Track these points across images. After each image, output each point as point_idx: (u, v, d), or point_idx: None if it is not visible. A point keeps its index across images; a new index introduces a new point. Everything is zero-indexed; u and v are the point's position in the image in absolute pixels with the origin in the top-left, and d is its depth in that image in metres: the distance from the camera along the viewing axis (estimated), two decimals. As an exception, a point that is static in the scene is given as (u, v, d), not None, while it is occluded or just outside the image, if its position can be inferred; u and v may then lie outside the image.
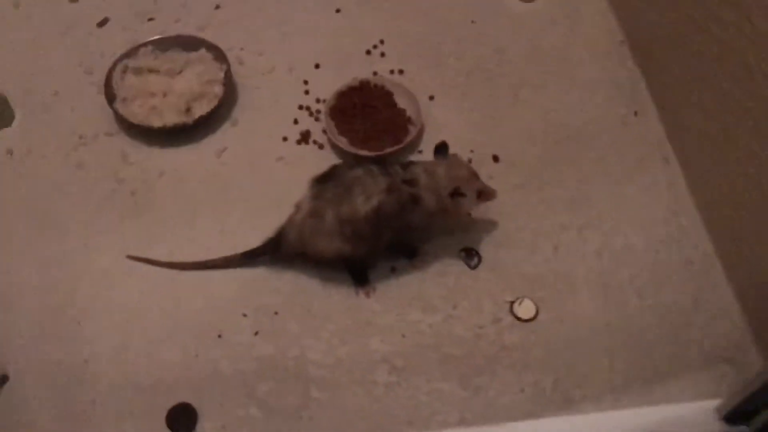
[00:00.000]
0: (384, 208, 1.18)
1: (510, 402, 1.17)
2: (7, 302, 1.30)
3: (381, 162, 1.25)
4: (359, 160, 1.35)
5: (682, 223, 1.34)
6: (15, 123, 1.54)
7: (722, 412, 1.06)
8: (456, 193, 1.20)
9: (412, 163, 1.26)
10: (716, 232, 1.31)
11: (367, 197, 1.18)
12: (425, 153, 1.44)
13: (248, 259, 1.29)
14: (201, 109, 1.48)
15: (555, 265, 1.30)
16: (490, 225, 1.34)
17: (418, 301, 1.27)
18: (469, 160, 1.42)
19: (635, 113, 1.49)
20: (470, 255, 1.31)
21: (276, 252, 1.27)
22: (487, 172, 1.40)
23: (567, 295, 1.27)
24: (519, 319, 1.24)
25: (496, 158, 1.43)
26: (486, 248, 1.32)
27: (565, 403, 1.16)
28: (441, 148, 1.25)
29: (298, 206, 1.24)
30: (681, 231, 1.33)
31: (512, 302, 1.26)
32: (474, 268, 1.30)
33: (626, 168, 1.41)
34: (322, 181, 1.23)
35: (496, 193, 1.25)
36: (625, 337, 1.22)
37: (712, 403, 1.08)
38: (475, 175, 1.24)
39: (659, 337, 1.21)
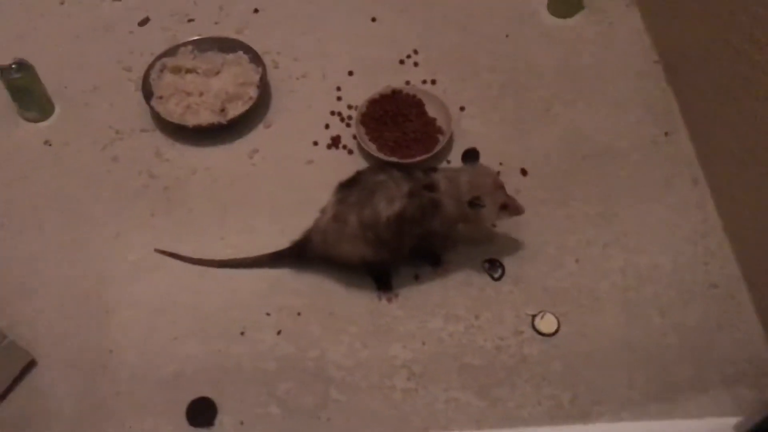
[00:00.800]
0: (406, 213, 1.19)
1: (527, 415, 1.17)
2: (37, 290, 1.33)
3: (405, 168, 1.25)
4: (383, 166, 1.36)
5: (709, 245, 1.33)
6: (54, 115, 1.58)
7: (741, 429, 1.06)
8: (475, 203, 1.20)
9: (434, 169, 1.26)
10: (743, 255, 1.30)
11: (389, 202, 1.19)
12: (454, 163, 1.45)
13: (274, 260, 1.31)
14: (235, 110, 1.51)
15: (578, 281, 1.30)
16: (515, 237, 1.34)
17: (441, 309, 1.28)
18: (498, 173, 1.43)
19: (666, 133, 1.48)
20: (494, 266, 1.32)
21: (301, 255, 1.29)
22: (515, 185, 1.41)
23: (589, 311, 1.27)
24: (540, 333, 1.25)
25: (524, 171, 1.44)
26: (510, 260, 1.32)
27: (583, 418, 1.16)
28: (470, 154, 1.25)
29: (323, 211, 1.25)
30: (707, 253, 1.32)
31: (534, 316, 1.26)
32: (497, 279, 1.31)
33: (654, 187, 1.41)
34: (347, 186, 1.24)
35: (522, 209, 1.24)
36: (646, 355, 1.21)
37: (731, 421, 1.08)
38: (500, 187, 1.23)
39: (680, 357, 1.21)
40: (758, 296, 1.26)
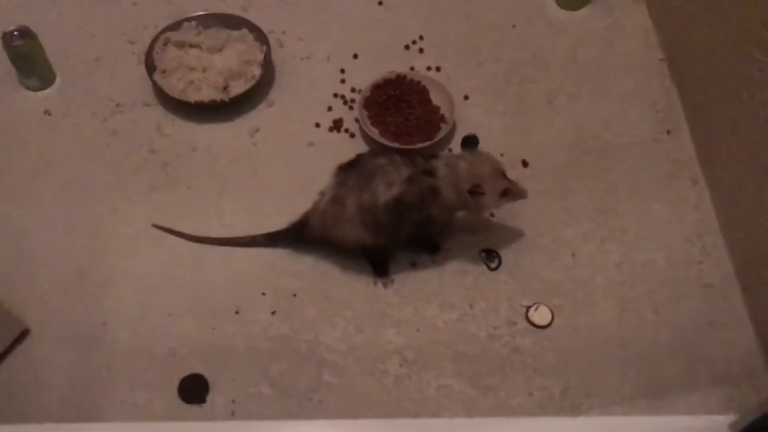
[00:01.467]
0: (404, 198, 1.19)
1: (518, 405, 1.18)
2: (33, 260, 1.32)
3: (406, 152, 1.25)
4: (384, 150, 1.36)
5: (704, 245, 1.34)
6: (55, 85, 1.57)
7: (735, 428, 1.07)
8: (475, 191, 1.18)
9: (435, 155, 1.25)
10: (738, 256, 1.31)
11: (388, 186, 1.19)
12: (455, 151, 1.44)
13: (271, 240, 1.31)
14: (238, 88, 1.50)
15: (574, 274, 1.31)
16: (513, 228, 1.35)
17: (436, 297, 1.28)
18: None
19: (668, 131, 1.49)
20: (491, 256, 1.32)
21: (299, 237, 1.29)
22: (515, 176, 1.39)
23: (583, 305, 1.27)
24: (534, 324, 1.25)
25: (525, 163, 1.44)
26: (507, 251, 1.33)
27: (573, 410, 1.17)
28: (469, 141, 1.23)
29: (322, 193, 1.25)
30: (703, 252, 1.33)
31: (528, 307, 1.27)
32: (494, 269, 1.31)
33: (654, 185, 1.41)
34: (347, 168, 1.24)
35: (526, 193, 1.22)
36: (638, 350, 1.22)
37: (726, 419, 1.09)
38: (501, 173, 1.21)
39: (672, 353, 1.22)
40: (751, 297, 1.27)
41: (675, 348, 1.23)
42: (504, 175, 1.21)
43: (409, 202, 1.19)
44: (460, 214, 1.27)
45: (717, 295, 1.29)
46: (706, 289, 1.29)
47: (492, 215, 1.34)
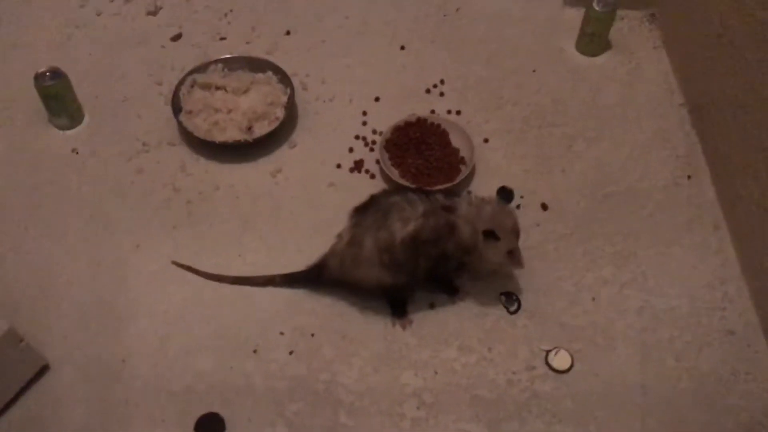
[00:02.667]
0: (421, 234, 1.19)
1: (536, 451, 1.16)
2: (56, 295, 1.34)
3: (423, 190, 1.26)
4: (397, 188, 1.37)
5: (727, 291, 1.32)
6: (83, 124, 1.61)
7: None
8: (490, 234, 1.19)
9: (458, 194, 1.26)
10: (762, 303, 1.29)
11: (404, 222, 1.19)
12: (475, 194, 1.45)
13: (289, 282, 1.32)
14: (262, 129, 1.52)
15: (594, 319, 1.29)
16: (533, 272, 1.34)
17: (454, 339, 1.28)
18: (518, 206, 1.43)
19: (688, 176, 1.48)
20: (510, 300, 1.31)
21: (317, 279, 1.29)
22: (535, 219, 1.41)
23: (604, 350, 1.26)
24: (553, 369, 1.24)
25: (545, 206, 1.44)
26: (527, 294, 1.32)
27: (593, 458, 1.15)
28: (505, 192, 1.27)
29: (339, 236, 1.26)
30: (726, 298, 1.31)
31: (548, 351, 1.26)
32: (513, 313, 1.30)
33: (675, 230, 1.41)
34: (362, 209, 1.25)
35: (523, 265, 1.24)
36: (660, 398, 1.20)
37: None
38: (517, 233, 1.23)
39: (695, 402, 1.20)
40: (775, 346, 1.25)
41: (697, 396, 1.21)
42: (518, 237, 1.23)
43: (425, 237, 1.19)
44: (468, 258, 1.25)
45: (740, 343, 1.27)
46: (729, 337, 1.27)
47: (494, 270, 1.31)
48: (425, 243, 1.20)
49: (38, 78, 1.52)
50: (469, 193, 1.46)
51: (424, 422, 1.19)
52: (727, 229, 1.40)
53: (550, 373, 1.24)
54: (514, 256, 1.23)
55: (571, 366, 1.24)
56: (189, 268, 1.36)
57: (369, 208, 1.24)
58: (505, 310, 1.30)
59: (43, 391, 1.23)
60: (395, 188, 1.39)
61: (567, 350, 1.25)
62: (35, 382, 1.23)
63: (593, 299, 1.32)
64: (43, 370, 1.24)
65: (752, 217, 1.33)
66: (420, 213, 1.19)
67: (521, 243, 1.25)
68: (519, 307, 1.30)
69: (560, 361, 1.24)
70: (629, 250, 1.38)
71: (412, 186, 1.42)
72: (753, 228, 1.33)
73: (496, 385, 1.23)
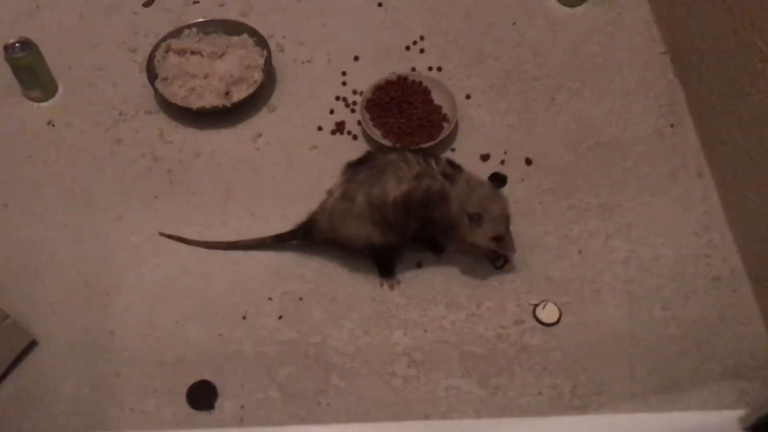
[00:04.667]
0: (412, 195, 1.18)
1: (527, 404, 1.17)
2: (40, 271, 1.33)
3: (421, 152, 1.24)
4: (395, 148, 1.36)
5: (712, 238, 1.33)
6: (57, 96, 1.57)
7: (745, 422, 1.06)
8: (475, 218, 1.17)
9: (460, 168, 1.22)
10: (746, 249, 1.30)
11: (398, 181, 1.18)
12: (458, 151, 1.44)
13: (279, 242, 1.31)
14: (240, 94, 1.50)
15: (581, 271, 1.30)
16: (518, 227, 1.33)
17: (442, 297, 1.28)
18: (502, 162, 1.43)
19: (672, 125, 1.48)
20: (497, 256, 1.31)
21: (306, 237, 1.29)
22: (519, 175, 1.41)
23: (591, 302, 1.27)
24: (542, 322, 1.25)
25: (528, 161, 1.43)
26: (513, 249, 1.32)
27: (583, 408, 1.16)
28: (497, 178, 1.23)
29: (330, 192, 1.25)
30: (711, 246, 1.32)
31: (536, 305, 1.26)
32: (500, 268, 1.30)
33: (659, 179, 1.41)
34: (356, 164, 1.23)
35: (514, 250, 1.23)
36: (648, 347, 1.22)
37: (736, 413, 1.08)
38: (506, 221, 1.21)
39: (682, 349, 1.21)
40: (760, 290, 1.26)
41: (685, 343, 1.22)
42: (507, 225, 1.21)
43: (415, 199, 1.18)
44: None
45: (726, 289, 1.28)
46: (715, 283, 1.28)
47: (468, 253, 1.30)
48: (415, 205, 1.19)
49: (8, 49, 1.48)
50: (453, 150, 1.45)
51: (416, 380, 1.20)
52: (711, 176, 1.41)
53: (539, 326, 1.24)
54: (503, 241, 1.21)
55: (559, 318, 1.25)
56: (178, 238, 1.35)
57: (364, 163, 1.22)
58: (492, 265, 1.31)
59: (33, 367, 1.22)
60: (392, 148, 1.37)
61: (555, 303, 1.26)
62: (24, 358, 1.23)
63: (579, 252, 1.32)
64: (31, 346, 1.24)
65: (736, 164, 1.33)
66: (414, 173, 1.18)
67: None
68: (505, 263, 1.31)
69: (548, 314, 1.25)
70: (614, 201, 1.38)
71: (395, 146, 1.41)
72: (736, 174, 1.33)
73: (486, 340, 1.23)
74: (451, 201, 1.19)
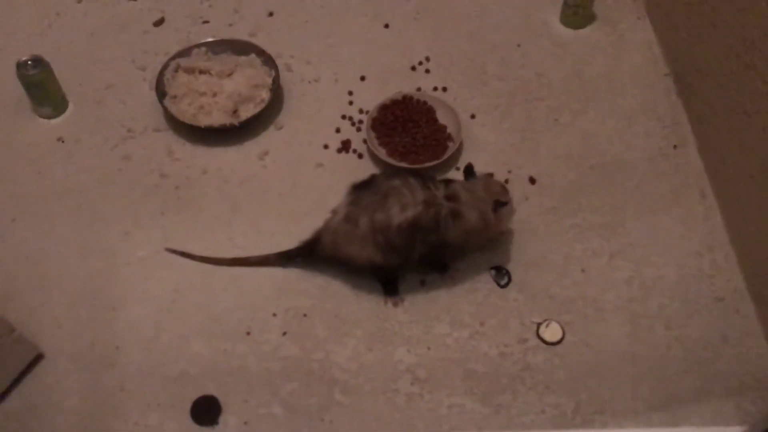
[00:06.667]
0: (420, 222, 1.20)
1: (530, 422, 1.17)
2: (47, 285, 1.34)
3: (421, 175, 1.26)
4: (397, 172, 1.37)
5: (715, 258, 1.33)
6: (68, 112, 1.60)
7: (745, 439, 1.06)
8: (499, 204, 1.23)
9: (451, 181, 1.28)
10: (749, 269, 1.30)
11: (402, 208, 1.20)
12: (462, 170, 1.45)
13: (284, 259, 1.32)
14: (247, 112, 1.52)
15: (584, 290, 1.30)
16: (522, 245, 1.35)
17: (446, 315, 1.28)
18: (506, 180, 1.44)
19: (674, 146, 1.49)
20: (500, 274, 1.32)
21: (311, 254, 1.30)
22: (523, 194, 1.42)
23: (594, 321, 1.27)
24: (545, 341, 1.25)
25: (532, 180, 1.44)
26: (516, 268, 1.33)
27: (586, 427, 1.16)
28: (468, 170, 1.29)
29: (334, 211, 1.26)
30: (714, 266, 1.33)
31: (539, 324, 1.27)
32: (503, 287, 1.31)
33: (662, 199, 1.41)
34: (361, 188, 1.25)
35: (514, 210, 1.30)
36: (650, 366, 1.22)
37: (735, 430, 1.08)
38: (507, 190, 1.29)
39: (685, 369, 1.21)
40: (763, 310, 1.26)
41: (687, 363, 1.22)
42: (508, 192, 1.29)
43: (425, 225, 1.20)
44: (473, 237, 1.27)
45: (729, 309, 1.28)
46: (718, 303, 1.29)
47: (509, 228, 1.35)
48: (424, 230, 1.21)
49: (20, 67, 1.50)
50: (458, 169, 1.46)
51: (419, 397, 1.20)
52: (713, 196, 1.41)
53: (542, 345, 1.25)
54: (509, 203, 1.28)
55: (562, 337, 1.25)
56: (184, 254, 1.36)
57: (368, 188, 1.24)
58: (495, 284, 1.31)
59: (38, 381, 1.23)
60: (395, 171, 1.38)
61: (558, 322, 1.26)
62: (30, 371, 1.23)
63: (582, 271, 1.33)
64: (37, 359, 1.24)
65: (738, 184, 1.34)
66: (420, 200, 1.20)
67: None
68: (509, 281, 1.31)
69: (551, 333, 1.26)
70: (617, 221, 1.39)
71: (400, 165, 1.42)
72: (739, 195, 1.34)
73: (489, 358, 1.24)
74: (465, 214, 1.22)
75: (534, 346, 1.25)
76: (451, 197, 1.22)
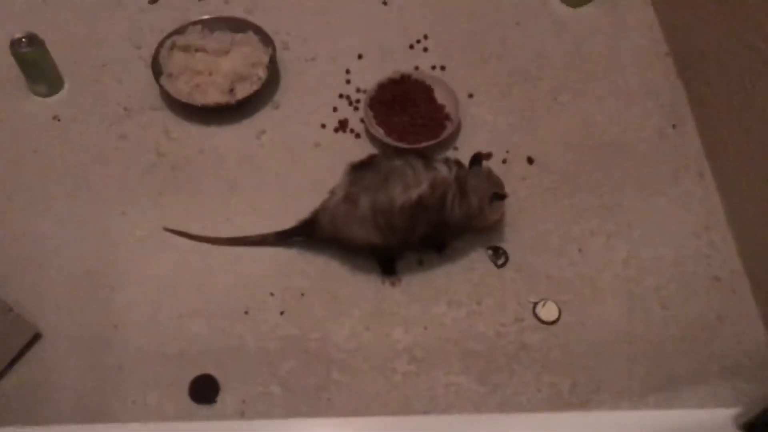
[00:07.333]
0: (425, 202, 1.19)
1: (526, 401, 1.18)
2: (44, 265, 1.34)
3: (423, 155, 1.26)
4: (398, 152, 1.37)
5: (712, 239, 1.34)
6: (63, 91, 1.58)
7: (740, 420, 1.07)
8: (498, 196, 1.24)
9: (456, 162, 1.27)
10: (746, 249, 1.31)
11: (404, 188, 1.19)
12: (461, 150, 1.45)
13: (282, 238, 1.32)
14: (244, 91, 1.51)
15: (581, 270, 1.31)
16: (520, 225, 1.35)
17: (443, 294, 1.29)
18: (504, 160, 1.43)
19: (673, 126, 1.48)
20: (497, 253, 1.32)
21: (308, 234, 1.30)
22: (521, 173, 1.41)
23: (591, 301, 1.27)
24: (541, 320, 1.25)
25: (530, 160, 1.44)
26: (513, 248, 1.33)
27: (582, 406, 1.17)
28: (476, 159, 1.29)
29: (333, 191, 1.26)
30: (711, 246, 1.33)
31: (536, 303, 1.27)
32: (500, 266, 1.31)
33: (660, 179, 1.41)
34: (360, 168, 1.24)
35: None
36: (647, 346, 1.22)
37: (731, 412, 1.09)
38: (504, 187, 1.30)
39: (680, 348, 1.22)
40: (760, 291, 1.26)
41: (684, 343, 1.23)
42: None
43: (429, 204, 1.20)
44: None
45: (726, 289, 1.28)
46: (715, 283, 1.29)
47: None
48: (427, 209, 1.20)
49: (14, 45, 1.49)
50: (456, 149, 1.46)
51: (416, 376, 1.21)
52: (712, 177, 1.41)
53: (539, 324, 1.25)
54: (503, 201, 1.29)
55: (559, 317, 1.26)
56: (182, 233, 1.36)
57: (368, 168, 1.23)
58: (492, 264, 1.31)
59: (37, 360, 1.23)
60: (395, 152, 1.38)
61: (554, 302, 1.27)
62: (28, 351, 1.24)
63: (580, 251, 1.33)
64: (35, 338, 1.25)
65: (737, 165, 1.34)
66: (424, 181, 1.20)
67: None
68: (506, 261, 1.32)
69: (548, 312, 1.26)
70: (615, 201, 1.39)
71: (398, 144, 1.42)
72: (737, 175, 1.34)
73: (486, 337, 1.24)
74: (471, 198, 1.23)
75: (530, 325, 1.25)
76: (459, 178, 1.22)
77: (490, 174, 1.29)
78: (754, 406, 1.03)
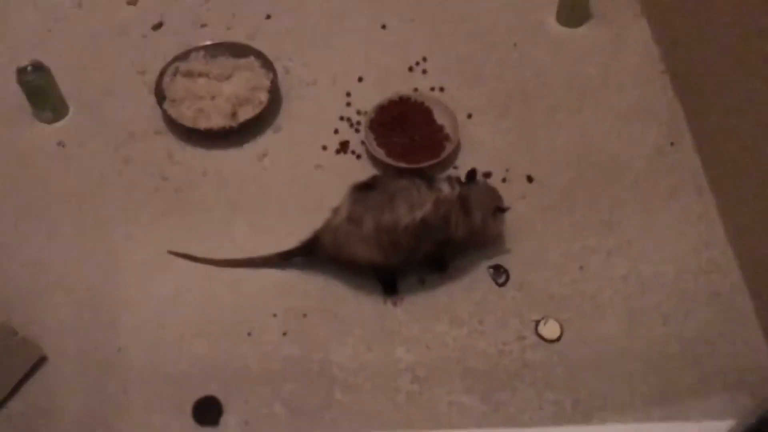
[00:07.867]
0: (430, 221, 1.21)
1: (529, 419, 1.18)
2: (49, 288, 1.35)
3: (424, 176, 1.28)
4: (399, 172, 1.38)
5: (712, 255, 1.34)
6: (68, 117, 1.61)
7: (734, 432, 1.07)
8: (499, 210, 1.27)
9: (459, 181, 1.29)
10: (747, 265, 1.31)
11: (410, 208, 1.21)
12: (460, 169, 1.46)
13: (284, 259, 1.33)
14: (246, 114, 1.53)
15: (582, 287, 1.31)
16: (520, 244, 1.36)
17: (445, 313, 1.29)
18: (504, 179, 1.45)
19: (671, 143, 1.49)
20: (498, 272, 1.33)
21: (311, 254, 1.31)
22: (521, 192, 1.43)
23: (592, 318, 1.28)
24: (543, 339, 1.26)
25: (530, 178, 1.45)
26: (514, 266, 1.34)
27: (585, 423, 1.17)
28: (471, 175, 1.31)
29: (335, 211, 1.27)
30: (711, 262, 1.33)
31: (537, 321, 1.27)
32: (502, 285, 1.32)
33: (659, 196, 1.42)
34: (363, 188, 1.26)
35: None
36: (648, 362, 1.22)
37: (725, 424, 1.09)
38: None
39: (682, 364, 1.22)
40: (760, 306, 1.26)
41: (685, 359, 1.23)
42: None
43: (433, 224, 1.21)
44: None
45: (726, 305, 1.28)
46: (715, 299, 1.29)
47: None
48: (433, 228, 1.22)
49: (20, 72, 1.52)
50: (455, 168, 1.47)
51: (418, 396, 1.21)
52: (710, 193, 1.42)
53: (541, 342, 1.26)
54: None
55: (561, 335, 1.26)
56: (185, 256, 1.37)
57: (373, 188, 1.25)
58: (493, 282, 1.32)
59: (42, 383, 1.24)
60: (397, 173, 1.40)
61: (556, 319, 1.27)
62: (33, 374, 1.25)
63: (580, 268, 1.33)
64: (41, 361, 1.26)
65: (734, 180, 1.35)
66: (428, 200, 1.21)
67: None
68: (507, 279, 1.32)
69: (550, 330, 1.26)
70: (614, 218, 1.39)
71: (399, 165, 1.43)
72: (735, 191, 1.35)
73: (488, 356, 1.25)
74: (473, 214, 1.25)
75: (532, 343, 1.26)
76: (462, 197, 1.24)
77: (488, 188, 1.31)
78: (747, 417, 1.03)
